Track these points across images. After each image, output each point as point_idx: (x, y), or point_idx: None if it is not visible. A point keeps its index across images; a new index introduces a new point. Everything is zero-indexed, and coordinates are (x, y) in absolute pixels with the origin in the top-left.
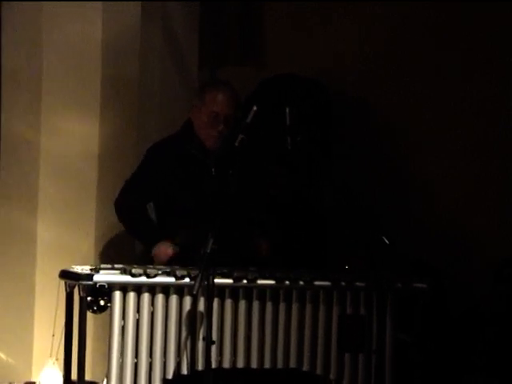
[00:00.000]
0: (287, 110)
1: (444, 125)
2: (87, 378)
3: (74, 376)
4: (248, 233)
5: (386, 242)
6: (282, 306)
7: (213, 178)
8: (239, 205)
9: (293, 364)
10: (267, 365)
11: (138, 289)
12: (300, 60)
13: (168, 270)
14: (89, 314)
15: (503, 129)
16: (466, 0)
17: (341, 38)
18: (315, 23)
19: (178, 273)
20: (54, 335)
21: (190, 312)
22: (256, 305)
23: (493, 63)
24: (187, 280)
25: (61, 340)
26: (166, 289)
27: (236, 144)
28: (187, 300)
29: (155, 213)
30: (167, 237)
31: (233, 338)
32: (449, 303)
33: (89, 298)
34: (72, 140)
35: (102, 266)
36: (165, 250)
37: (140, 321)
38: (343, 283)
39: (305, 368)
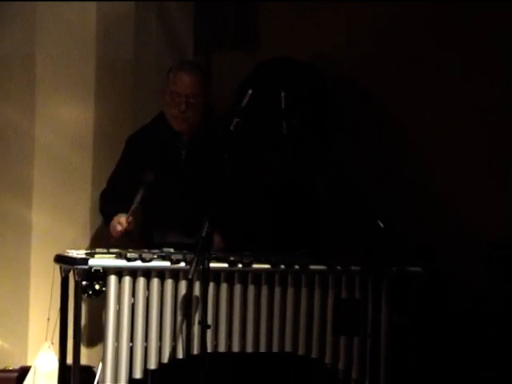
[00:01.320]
0: (282, 93)
1: (446, 114)
2: (82, 362)
3: (69, 360)
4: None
5: (381, 225)
6: (277, 290)
7: (183, 161)
8: (233, 189)
9: (288, 348)
10: (262, 349)
11: (134, 273)
12: (295, 44)
13: (163, 255)
14: (84, 298)
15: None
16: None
17: (338, 24)
18: (312, 7)
19: (174, 257)
20: (49, 319)
21: (185, 296)
22: (251, 289)
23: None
24: (182, 264)
25: (56, 324)
26: (161, 273)
27: (231, 128)
28: (182, 284)
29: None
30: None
31: (228, 322)
32: (446, 289)
33: (84, 283)
34: (66, 127)
35: (98, 250)
36: (116, 222)
37: (135, 305)
38: (338, 267)
39: (300, 352)
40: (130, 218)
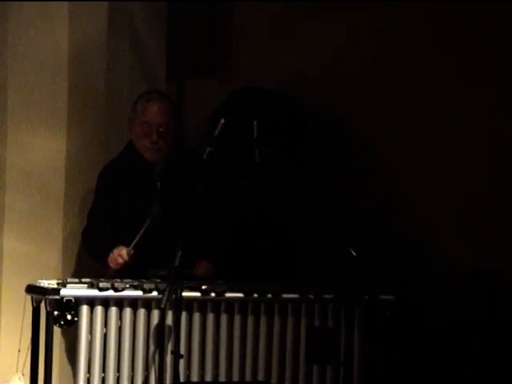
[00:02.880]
0: (255, 122)
1: (420, 134)
2: None
3: None
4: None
5: (354, 254)
6: (250, 319)
7: (158, 192)
8: (205, 217)
9: (261, 377)
10: (236, 377)
11: (106, 303)
12: (267, 71)
13: (136, 284)
14: (56, 329)
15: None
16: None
17: (308, 51)
18: (282, 36)
19: (146, 286)
20: (20, 350)
21: (157, 326)
22: (224, 318)
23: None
24: (155, 293)
25: (27, 355)
26: (133, 302)
27: (204, 157)
28: (155, 314)
29: (111, 231)
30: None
31: (201, 352)
32: (427, 313)
33: (56, 313)
34: (38, 154)
35: (69, 279)
36: (117, 254)
37: (107, 335)
38: (311, 296)
39: (273, 381)
40: (132, 250)
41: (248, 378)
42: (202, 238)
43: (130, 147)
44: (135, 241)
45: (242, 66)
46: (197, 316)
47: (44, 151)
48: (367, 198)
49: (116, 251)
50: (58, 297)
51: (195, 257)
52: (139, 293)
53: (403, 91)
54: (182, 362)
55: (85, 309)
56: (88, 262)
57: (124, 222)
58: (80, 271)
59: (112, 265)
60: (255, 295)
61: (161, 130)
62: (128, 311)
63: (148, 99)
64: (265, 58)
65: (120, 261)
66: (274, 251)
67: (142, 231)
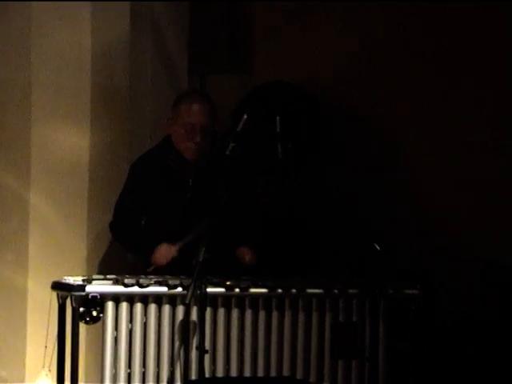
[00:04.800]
0: (278, 117)
1: (433, 129)
2: None
3: None
4: (234, 241)
5: (378, 248)
6: (274, 314)
7: (189, 189)
8: (230, 214)
9: (286, 372)
10: (261, 373)
11: (131, 299)
12: (288, 67)
13: (160, 280)
14: (81, 325)
15: (495, 132)
16: (466, 1)
17: (330, 45)
18: (304, 30)
19: (171, 282)
20: (46, 346)
21: (182, 321)
22: (249, 313)
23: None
24: (180, 289)
25: (54, 351)
26: (158, 298)
27: (227, 153)
28: (180, 309)
29: (144, 224)
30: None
31: (226, 347)
32: (438, 309)
33: (81, 309)
34: (62, 150)
35: (95, 276)
36: (167, 250)
37: (133, 331)
38: (336, 291)
39: (298, 376)
40: (178, 249)
41: (273, 373)
42: (236, 228)
43: (165, 142)
44: (186, 240)
45: (263, 61)
46: (221, 312)
47: (68, 147)
48: (388, 192)
49: (163, 248)
50: (83, 293)
51: (234, 248)
52: (164, 289)
53: (419, 86)
54: (206, 357)
55: (110, 305)
56: (113, 258)
57: (154, 216)
58: (105, 267)
59: (158, 261)
60: (279, 290)
61: (204, 130)
62: (153, 307)
63: (192, 100)
64: (286, 53)
65: (167, 258)
66: (299, 246)
67: (195, 232)
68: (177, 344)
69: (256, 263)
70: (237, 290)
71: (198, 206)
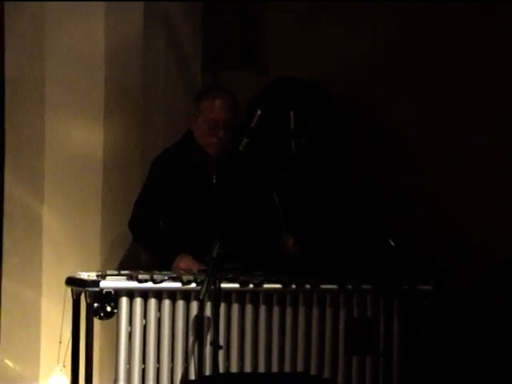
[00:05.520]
0: (291, 113)
1: (448, 128)
2: None
3: (81, 383)
4: (274, 230)
5: (392, 244)
6: (288, 310)
7: (213, 185)
8: (246, 209)
9: (300, 368)
10: (275, 369)
11: (145, 294)
12: (302, 64)
13: (174, 276)
14: (96, 321)
15: (507, 131)
16: (466, 1)
17: (343, 42)
18: (316, 27)
19: (185, 278)
20: (61, 342)
21: (196, 317)
22: (263, 309)
23: (495, 64)
24: (194, 285)
25: (68, 347)
26: (172, 294)
27: (241, 148)
28: (194, 305)
29: (163, 223)
30: (182, 248)
31: (240, 343)
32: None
33: (95, 305)
34: (76, 146)
35: (109, 272)
36: (189, 264)
37: (147, 326)
38: (350, 286)
39: (312, 371)
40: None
41: (287, 368)
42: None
43: (187, 138)
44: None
45: (275, 60)
46: (235, 307)
47: (82, 143)
48: (401, 188)
49: (187, 261)
50: (97, 289)
51: (277, 237)
52: (178, 284)
53: (434, 83)
54: (221, 353)
55: (124, 301)
56: (126, 254)
57: (176, 214)
58: (119, 262)
59: (182, 265)
60: (293, 286)
61: (227, 126)
62: (167, 303)
63: (214, 96)
64: (298, 50)
65: (193, 269)
66: (313, 243)
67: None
68: (191, 340)
69: (299, 253)
70: (251, 285)
71: (221, 203)
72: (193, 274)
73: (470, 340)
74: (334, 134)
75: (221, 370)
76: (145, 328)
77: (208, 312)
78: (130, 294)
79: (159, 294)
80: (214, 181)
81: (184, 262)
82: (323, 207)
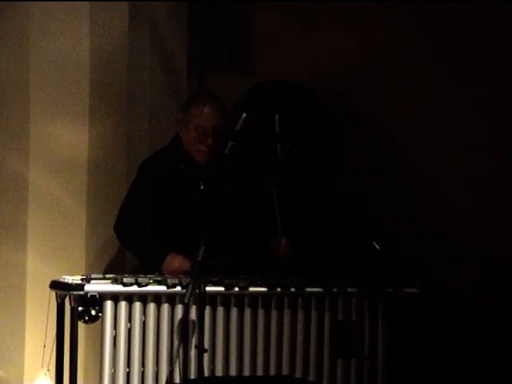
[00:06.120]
0: (276, 116)
1: (441, 128)
2: None
3: None
4: (264, 231)
5: (377, 247)
6: (273, 313)
7: (201, 192)
8: (234, 212)
9: (285, 371)
10: (260, 372)
11: (130, 298)
12: (288, 67)
13: (159, 279)
14: (80, 324)
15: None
16: (466, 1)
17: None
18: (304, 30)
19: (170, 281)
20: (45, 346)
21: (181, 320)
22: (248, 312)
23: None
24: (179, 288)
25: (52, 351)
26: (157, 297)
27: (226, 151)
28: (179, 308)
29: (150, 228)
30: (171, 250)
31: (225, 346)
32: (440, 309)
33: (80, 308)
34: (61, 148)
35: (93, 275)
36: (179, 263)
37: (132, 330)
38: (335, 289)
39: (297, 375)
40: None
41: (272, 372)
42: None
43: (175, 143)
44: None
45: (263, 61)
46: (220, 310)
47: (66, 145)
48: (388, 190)
49: (177, 260)
50: (82, 292)
51: (268, 238)
52: (163, 288)
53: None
54: (206, 356)
55: (109, 304)
56: (111, 257)
57: (162, 220)
58: (103, 266)
59: (167, 271)
60: (278, 289)
61: (216, 133)
62: (152, 306)
63: (204, 103)
64: (285, 53)
65: (181, 272)
66: (299, 245)
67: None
68: (176, 343)
69: (290, 254)
70: (236, 289)
71: (208, 210)
72: (178, 277)
73: (461, 342)
74: (328, 135)
75: (206, 374)
76: (129, 331)
77: (193, 315)
78: (115, 297)
79: (144, 298)
80: (202, 187)
81: (177, 262)
82: (313, 209)
